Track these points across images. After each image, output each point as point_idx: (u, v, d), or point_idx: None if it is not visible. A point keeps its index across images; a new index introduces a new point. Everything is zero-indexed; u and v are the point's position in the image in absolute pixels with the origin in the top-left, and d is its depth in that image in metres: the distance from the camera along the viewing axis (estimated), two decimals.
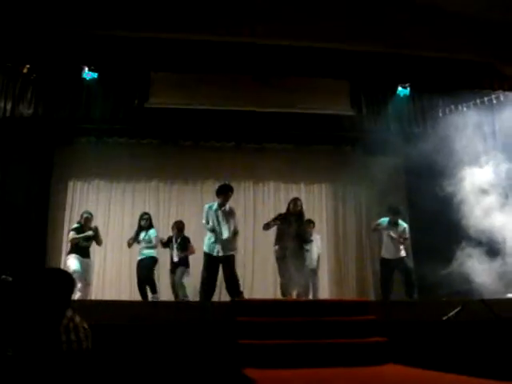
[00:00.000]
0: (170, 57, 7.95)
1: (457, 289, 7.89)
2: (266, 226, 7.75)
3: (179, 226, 8.63)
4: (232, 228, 7.41)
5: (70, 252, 8.12)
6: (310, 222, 8.72)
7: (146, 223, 8.50)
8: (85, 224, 8.21)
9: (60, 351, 2.76)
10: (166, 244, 8.55)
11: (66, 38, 7.36)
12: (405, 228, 8.35)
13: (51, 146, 9.94)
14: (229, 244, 7.36)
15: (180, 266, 8.38)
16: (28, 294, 2.99)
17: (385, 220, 8.41)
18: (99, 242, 8.37)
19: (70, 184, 10.18)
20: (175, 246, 8.46)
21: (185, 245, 8.50)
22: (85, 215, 8.33)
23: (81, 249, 8.07)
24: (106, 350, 3.86)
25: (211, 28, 7.24)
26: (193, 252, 8.51)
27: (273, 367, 4.82)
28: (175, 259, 8.39)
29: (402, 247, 8.27)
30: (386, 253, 8.35)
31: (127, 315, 5.52)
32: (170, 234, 8.73)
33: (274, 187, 10.69)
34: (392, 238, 8.23)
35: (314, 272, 8.85)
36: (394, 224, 8.33)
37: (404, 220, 8.57)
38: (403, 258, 8.27)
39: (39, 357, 2.72)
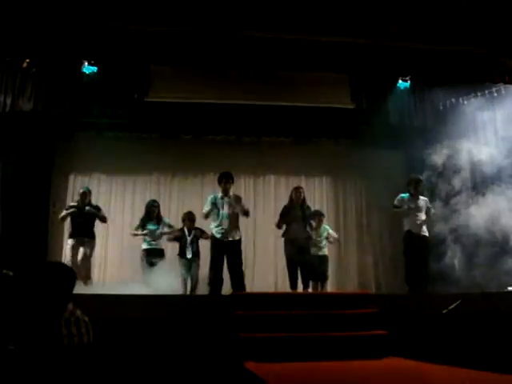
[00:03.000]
0: (170, 50, 7.93)
1: (457, 282, 7.92)
2: (278, 226, 7.84)
3: (191, 217, 8.30)
4: (240, 213, 7.49)
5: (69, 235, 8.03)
6: (320, 215, 8.73)
7: (155, 211, 8.30)
8: (80, 200, 8.03)
9: (61, 345, 2.77)
10: (179, 238, 8.25)
11: (66, 32, 7.35)
12: (425, 201, 7.96)
13: (52, 140, 9.92)
14: (235, 230, 7.43)
15: (195, 260, 8.11)
16: (29, 288, 3.00)
17: (406, 194, 7.96)
18: (102, 219, 8.16)
19: (71, 178, 10.18)
20: (189, 238, 8.16)
21: (201, 234, 8.20)
22: (81, 191, 8.19)
23: (77, 226, 7.91)
24: (106, 343, 3.87)
25: (211, 22, 7.23)
26: (208, 237, 8.06)
27: (273, 361, 4.84)
28: (189, 256, 8.06)
29: (424, 226, 7.84)
30: (411, 227, 7.79)
31: (128, 309, 5.53)
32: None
33: (275, 180, 10.69)
34: (415, 209, 7.78)
35: (324, 260, 8.68)
36: (416, 197, 7.92)
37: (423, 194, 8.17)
38: (426, 237, 7.83)
39: (40, 351, 2.72)
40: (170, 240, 8.41)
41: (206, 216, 7.52)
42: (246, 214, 7.58)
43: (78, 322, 2.87)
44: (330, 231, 8.87)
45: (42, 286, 2.92)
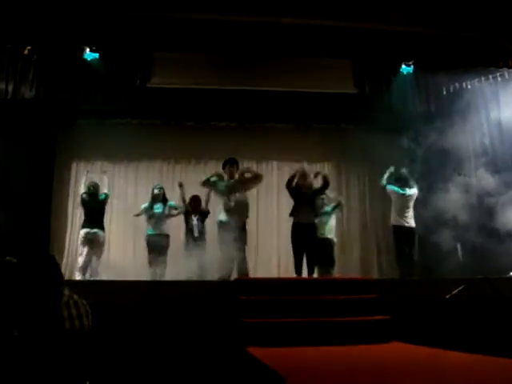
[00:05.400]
0: (172, 36, 7.91)
1: (460, 267, 7.93)
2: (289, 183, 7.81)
3: (198, 200, 8.40)
4: (253, 180, 7.79)
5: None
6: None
7: (160, 197, 8.32)
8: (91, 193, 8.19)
9: (63, 328, 2.80)
10: (186, 219, 8.32)
11: (67, 18, 7.32)
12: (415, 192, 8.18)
13: (54, 127, 9.91)
14: (241, 213, 7.56)
15: (201, 240, 8.15)
16: (30, 274, 3.03)
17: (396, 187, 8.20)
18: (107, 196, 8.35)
19: (73, 165, 10.19)
20: (195, 219, 8.23)
21: (204, 217, 8.34)
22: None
23: (90, 213, 8.07)
24: (109, 329, 3.90)
25: (214, 7, 7.19)
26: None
27: (276, 345, 4.86)
28: (196, 234, 8.10)
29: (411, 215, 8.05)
30: (401, 219, 8.05)
31: (130, 294, 5.55)
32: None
33: (278, 166, 10.69)
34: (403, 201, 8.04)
35: (329, 243, 8.54)
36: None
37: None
38: (413, 228, 8.04)
39: (44, 336, 2.74)
40: (179, 213, 8.43)
41: (204, 183, 7.83)
42: (258, 177, 7.85)
43: (76, 304, 2.91)
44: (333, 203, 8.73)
45: (40, 272, 2.96)
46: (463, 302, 5.85)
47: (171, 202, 8.45)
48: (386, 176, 8.33)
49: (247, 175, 7.83)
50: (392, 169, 8.33)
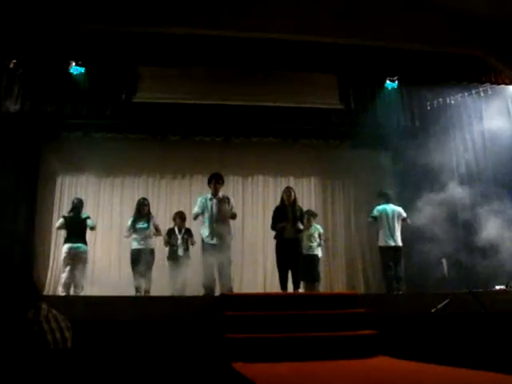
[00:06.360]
0: (158, 51, 7.92)
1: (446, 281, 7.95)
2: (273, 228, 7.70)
3: (183, 217, 8.35)
4: (228, 214, 7.49)
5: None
6: (310, 215, 8.70)
7: (145, 210, 8.15)
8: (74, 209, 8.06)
9: (45, 341, 2.76)
10: (169, 236, 8.23)
11: (53, 32, 7.31)
12: (400, 211, 8.22)
13: (38, 141, 9.84)
14: (225, 231, 7.42)
15: (185, 258, 8.05)
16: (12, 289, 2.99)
17: (382, 207, 8.25)
18: (92, 227, 8.19)
19: (58, 180, 10.11)
20: (179, 237, 8.17)
21: (189, 236, 8.23)
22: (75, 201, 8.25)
23: (72, 228, 7.92)
24: (93, 345, 3.85)
25: (199, 22, 7.20)
26: (194, 243, 8.20)
27: (262, 361, 4.82)
28: (180, 254, 8.03)
29: (399, 234, 8.10)
30: (388, 240, 8.08)
31: (116, 310, 5.50)
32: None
33: (263, 181, 10.68)
34: (391, 222, 8.09)
35: (315, 260, 8.60)
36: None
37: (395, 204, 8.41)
38: (400, 247, 8.07)
39: (27, 349, 2.71)
40: (166, 245, 8.32)
41: (195, 217, 7.58)
42: (233, 217, 7.61)
43: (56, 317, 2.89)
44: (321, 230, 8.82)
45: (15, 285, 2.94)
46: (449, 316, 5.86)
47: (155, 219, 8.33)
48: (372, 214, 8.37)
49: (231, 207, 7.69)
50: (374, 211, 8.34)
